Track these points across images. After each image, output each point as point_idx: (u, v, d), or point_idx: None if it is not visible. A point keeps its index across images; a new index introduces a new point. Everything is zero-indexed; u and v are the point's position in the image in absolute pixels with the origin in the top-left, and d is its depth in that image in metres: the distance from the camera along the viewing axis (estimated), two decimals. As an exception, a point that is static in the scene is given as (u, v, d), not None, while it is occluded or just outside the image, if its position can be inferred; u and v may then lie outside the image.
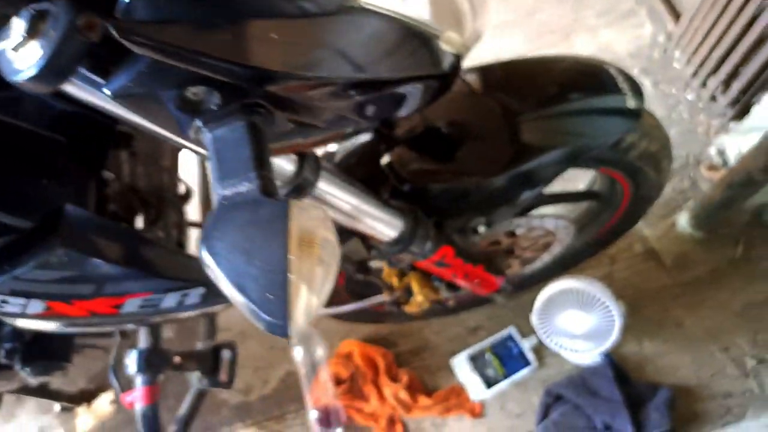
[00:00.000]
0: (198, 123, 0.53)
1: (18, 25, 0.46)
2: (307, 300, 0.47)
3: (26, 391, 1.59)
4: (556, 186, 1.32)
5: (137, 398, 0.98)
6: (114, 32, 0.44)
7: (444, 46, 0.63)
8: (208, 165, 0.55)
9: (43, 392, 1.65)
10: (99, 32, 0.47)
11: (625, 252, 1.78)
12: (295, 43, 0.49)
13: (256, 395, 1.77)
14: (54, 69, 0.47)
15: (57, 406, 1.75)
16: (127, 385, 1.03)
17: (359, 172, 0.97)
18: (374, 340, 1.78)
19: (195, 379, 1.07)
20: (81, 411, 1.77)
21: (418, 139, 1.03)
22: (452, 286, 1.34)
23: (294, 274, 0.45)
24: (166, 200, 0.96)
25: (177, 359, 1.00)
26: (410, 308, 1.34)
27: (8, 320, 0.74)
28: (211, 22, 0.45)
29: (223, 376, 1.05)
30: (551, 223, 1.34)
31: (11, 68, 0.47)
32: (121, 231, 0.71)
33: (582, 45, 2.02)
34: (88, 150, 0.72)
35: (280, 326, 0.45)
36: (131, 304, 0.72)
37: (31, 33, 0.46)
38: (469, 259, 1.17)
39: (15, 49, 0.45)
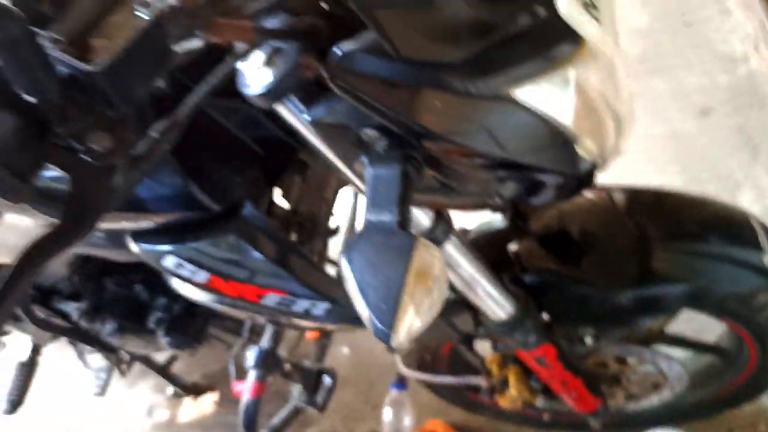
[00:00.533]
0: (364, 159, 0.67)
1: (259, 54, 0.63)
2: (411, 320, 0.56)
3: (152, 365, 1.81)
4: (682, 329, 1.31)
5: (246, 389, 1.12)
6: (325, 75, 0.59)
7: (580, 152, 0.72)
8: (362, 195, 0.69)
9: (164, 373, 1.87)
10: (313, 72, 0.63)
11: (746, 429, 1.65)
12: (454, 115, 0.61)
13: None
14: (275, 91, 0.64)
15: (170, 390, 1.96)
16: (240, 375, 1.18)
17: (486, 251, 1.06)
18: (462, 428, 1.80)
19: (295, 392, 1.19)
20: (187, 401, 1.96)
21: (548, 237, 1.11)
22: (549, 395, 1.36)
23: (406, 296, 0.56)
24: (317, 228, 1.12)
25: (287, 367, 1.14)
26: (503, 401, 1.37)
27: (178, 284, 0.91)
28: (399, 84, 0.59)
29: (319, 398, 1.17)
30: (665, 363, 1.32)
31: (245, 83, 0.64)
32: (280, 236, 0.87)
33: (747, 202, 1.97)
34: (274, 166, 0.89)
35: (385, 333, 0.55)
36: (271, 299, 0.86)
37: (267, 62, 0.63)
38: (569, 367, 1.20)
39: (253, 71, 0.62)
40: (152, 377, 1.99)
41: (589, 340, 1.13)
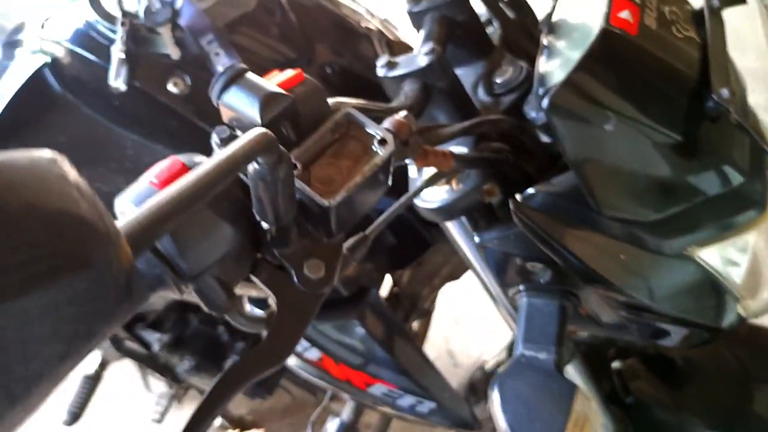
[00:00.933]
0: (521, 287, 0.66)
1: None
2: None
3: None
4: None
5: (321, 459, 1.10)
6: (512, 206, 0.58)
7: (738, 308, 0.70)
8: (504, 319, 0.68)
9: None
10: (494, 199, 0.62)
11: None
12: (631, 266, 0.60)
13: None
14: (450, 210, 0.64)
15: (218, 420, 1.95)
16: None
17: (589, 364, 1.04)
18: None
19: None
20: (230, 434, 1.95)
21: (652, 357, 1.07)
22: None
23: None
24: (416, 308, 1.11)
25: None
26: None
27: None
28: (585, 231, 0.58)
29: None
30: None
31: (422, 198, 0.64)
32: (402, 329, 0.86)
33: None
34: (403, 255, 0.89)
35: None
36: (378, 389, 0.85)
37: (447, 181, 0.63)
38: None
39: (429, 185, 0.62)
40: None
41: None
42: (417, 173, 0.68)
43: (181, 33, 0.72)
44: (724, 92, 0.55)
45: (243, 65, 0.46)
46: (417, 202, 0.65)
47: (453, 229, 0.68)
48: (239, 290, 0.48)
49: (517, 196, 0.60)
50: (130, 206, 0.41)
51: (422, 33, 0.69)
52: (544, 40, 0.68)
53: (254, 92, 0.44)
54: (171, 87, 0.73)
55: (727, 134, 0.59)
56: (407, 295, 1.08)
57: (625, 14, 0.56)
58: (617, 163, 0.55)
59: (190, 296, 0.44)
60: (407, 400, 0.87)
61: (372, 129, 0.47)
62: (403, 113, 0.53)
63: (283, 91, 0.45)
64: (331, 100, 0.54)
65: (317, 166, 0.47)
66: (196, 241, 0.42)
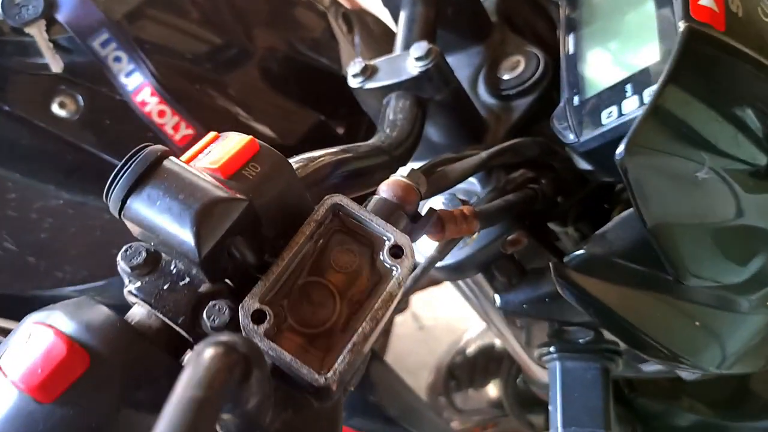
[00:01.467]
0: (552, 349, 0.52)
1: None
2: None
3: None
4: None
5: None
6: (553, 272, 0.43)
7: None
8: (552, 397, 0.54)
9: None
10: (519, 250, 0.47)
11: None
12: (706, 333, 0.46)
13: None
14: (461, 268, 0.48)
15: None
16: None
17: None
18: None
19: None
20: None
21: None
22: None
23: None
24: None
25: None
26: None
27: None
28: (648, 295, 0.44)
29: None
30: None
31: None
32: (388, 370, 0.72)
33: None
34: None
35: None
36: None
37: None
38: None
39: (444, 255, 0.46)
40: None
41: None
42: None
43: (64, 33, 0.50)
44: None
45: (160, 147, 0.28)
46: (418, 258, 0.48)
47: (471, 295, 0.53)
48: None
49: (550, 240, 0.45)
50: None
51: (404, 17, 0.51)
52: (564, 13, 0.51)
53: (183, 201, 0.26)
54: (57, 109, 0.52)
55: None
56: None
57: (706, 0, 0.39)
58: (708, 221, 0.40)
59: None
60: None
61: (378, 229, 0.30)
62: (404, 171, 0.36)
63: (230, 194, 0.27)
64: (303, 158, 0.36)
65: (295, 297, 0.29)
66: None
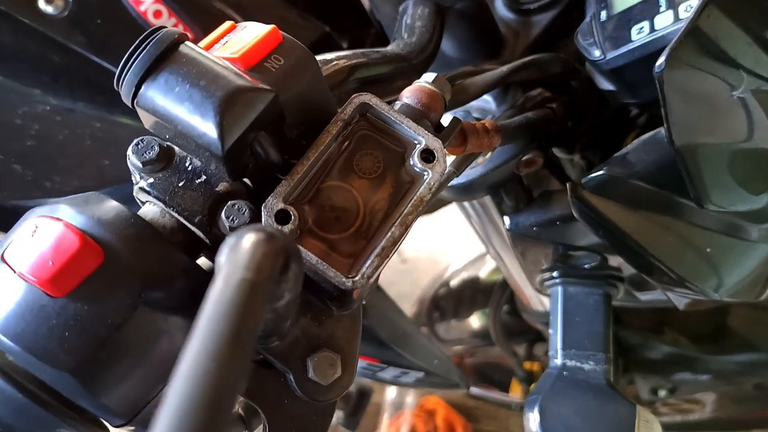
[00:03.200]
0: (555, 274, 0.51)
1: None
2: None
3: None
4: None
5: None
6: (570, 193, 0.42)
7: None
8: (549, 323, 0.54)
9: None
10: (533, 171, 0.46)
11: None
12: (716, 260, 0.46)
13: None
14: (472, 188, 0.46)
15: None
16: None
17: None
18: (459, 407, 1.75)
19: (336, 418, 1.08)
20: None
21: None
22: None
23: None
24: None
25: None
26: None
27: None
28: (664, 220, 0.43)
29: (357, 417, 1.05)
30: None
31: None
32: (382, 295, 0.71)
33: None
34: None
35: None
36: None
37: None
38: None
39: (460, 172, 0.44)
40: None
41: (663, 393, 1.05)
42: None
43: None
44: None
45: (176, 30, 0.25)
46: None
47: (476, 217, 0.52)
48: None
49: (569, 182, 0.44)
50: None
51: None
52: None
53: (205, 89, 0.24)
54: (43, 5, 0.48)
55: None
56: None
57: None
58: (735, 143, 0.38)
59: None
60: (390, 372, 0.74)
61: (408, 132, 0.28)
62: (429, 77, 0.34)
63: (255, 83, 0.25)
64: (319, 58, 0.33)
65: (318, 201, 0.28)
66: (122, 367, 0.24)
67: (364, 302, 0.35)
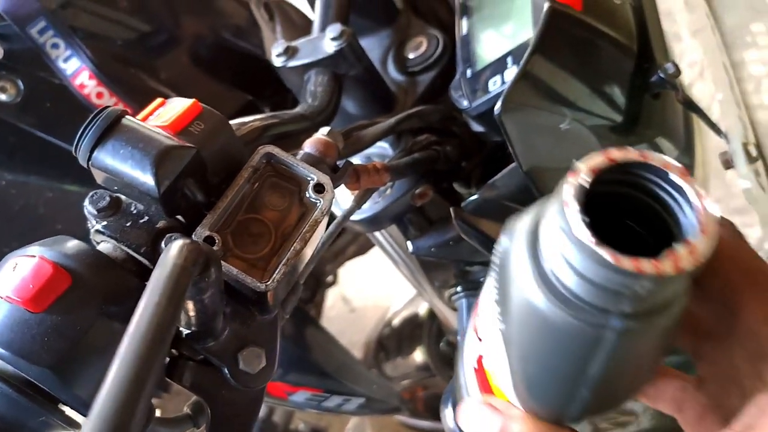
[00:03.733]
0: (459, 288, 0.60)
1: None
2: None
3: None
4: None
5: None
6: (453, 215, 0.51)
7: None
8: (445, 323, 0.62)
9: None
10: (425, 202, 0.55)
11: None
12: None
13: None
14: (376, 220, 0.55)
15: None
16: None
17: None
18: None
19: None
20: None
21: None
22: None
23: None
24: (321, 286, 1.04)
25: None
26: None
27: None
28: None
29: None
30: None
31: (341, 207, 0.55)
32: (317, 326, 0.78)
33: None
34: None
35: None
36: (300, 396, 0.78)
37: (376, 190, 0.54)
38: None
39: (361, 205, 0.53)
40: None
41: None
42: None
43: (1, 21, 0.54)
44: (670, 67, 0.50)
45: (118, 108, 0.34)
46: (335, 210, 0.55)
47: (385, 243, 0.60)
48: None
49: (456, 197, 0.53)
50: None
51: (320, 2, 0.57)
52: (459, 1, 0.59)
53: (143, 150, 0.32)
54: (-2, 94, 0.56)
55: (661, 108, 0.55)
56: (310, 274, 1.00)
57: (566, -15, 0.48)
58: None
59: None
60: (333, 401, 0.80)
61: (302, 171, 0.37)
62: (324, 130, 0.43)
63: (181, 143, 0.33)
64: (234, 123, 0.42)
65: (238, 230, 0.36)
66: (89, 364, 0.31)
67: (286, 317, 0.43)
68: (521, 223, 0.28)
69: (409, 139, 0.55)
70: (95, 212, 0.34)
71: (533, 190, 0.47)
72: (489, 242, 0.52)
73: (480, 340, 0.33)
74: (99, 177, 0.34)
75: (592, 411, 0.30)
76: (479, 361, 0.34)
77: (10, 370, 0.30)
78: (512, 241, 0.28)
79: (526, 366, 0.29)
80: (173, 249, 0.26)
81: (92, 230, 0.35)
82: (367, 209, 0.54)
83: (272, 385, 0.77)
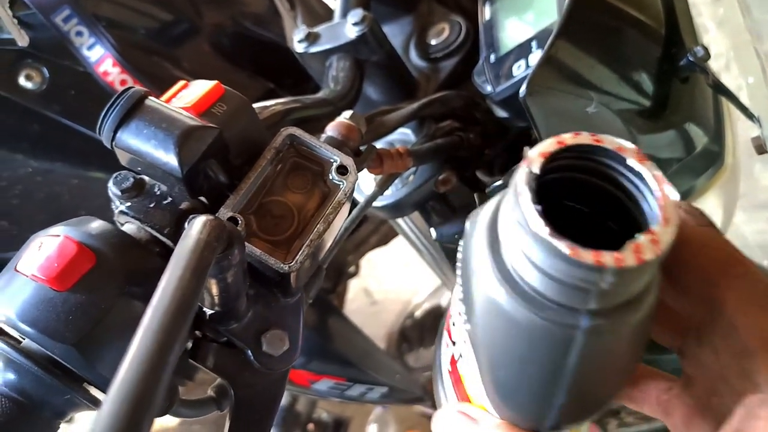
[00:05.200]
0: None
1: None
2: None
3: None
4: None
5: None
6: (477, 201, 0.51)
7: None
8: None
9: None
10: (449, 188, 0.54)
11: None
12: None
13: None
14: (399, 207, 0.55)
15: None
16: None
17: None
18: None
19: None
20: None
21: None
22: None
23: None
24: (343, 276, 1.04)
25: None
26: None
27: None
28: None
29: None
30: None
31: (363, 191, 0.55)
32: (341, 316, 0.78)
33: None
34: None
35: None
36: (324, 384, 0.78)
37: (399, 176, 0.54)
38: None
39: (383, 190, 0.53)
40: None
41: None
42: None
43: (26, 10, 0.55)
44: (699, 50, 0.48)
45: (142, 89, 0.34)
46: (358, 197, 0.55)
47: (408, 230, 0.60)
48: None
49: (479, 185, 0.52)
50: (6, 311, 0.29)
51: (339, -11, 0.57)
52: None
53: (165, 129, 0.32)
54: (23, 82, 0.56)
55: (689, 93, 0.54)
56: (332, 264, 1.00)
57: (593, -33, 0.47)
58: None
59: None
60: (356, 390, 0.80)
61: (325, 153, 0.37)
62: (347, 114, 0.43)
63: (203, 123, 0.33)
64: (256, 106, 0.42)
65: (260, 212, 0.36)
66: (112, 343, 0.31)
67: (309, 301, 0.42)
68: (482, 214, 0.27)
69: (432, 125, 0.54)
70: (119, 193, 0.34)
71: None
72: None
73: (453, 342, 0.31)
74: (123, 158, 0.34)
75: (573, 416, 0.28)
76: (453, 364, 0.32)
77: (36, 349, 0.30)
78: (473, 234, 0.26)
79: (496, 370, 0.27)
80: (196, 224, 0.25)
81: (116, 211, 0.35)
82: (390, 195, 0.54)
83: (295, 373, 0.77)
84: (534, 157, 0.23)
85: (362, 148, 0.44)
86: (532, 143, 0.62)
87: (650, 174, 0.22)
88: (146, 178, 0.35)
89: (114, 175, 0.35)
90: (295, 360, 0.37)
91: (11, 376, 0.30)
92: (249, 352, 0.35)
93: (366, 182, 0.54)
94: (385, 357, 0.84)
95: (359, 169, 0.42)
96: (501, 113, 0.54)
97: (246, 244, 0.33)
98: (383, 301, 1.99)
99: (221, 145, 0.34)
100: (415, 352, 1.31)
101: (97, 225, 0.33)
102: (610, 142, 0.23)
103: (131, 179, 0.34)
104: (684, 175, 0.55)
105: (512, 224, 0.22)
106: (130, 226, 0.35)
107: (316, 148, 0.37)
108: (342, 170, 0.36)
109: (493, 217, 0.25)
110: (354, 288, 2.01)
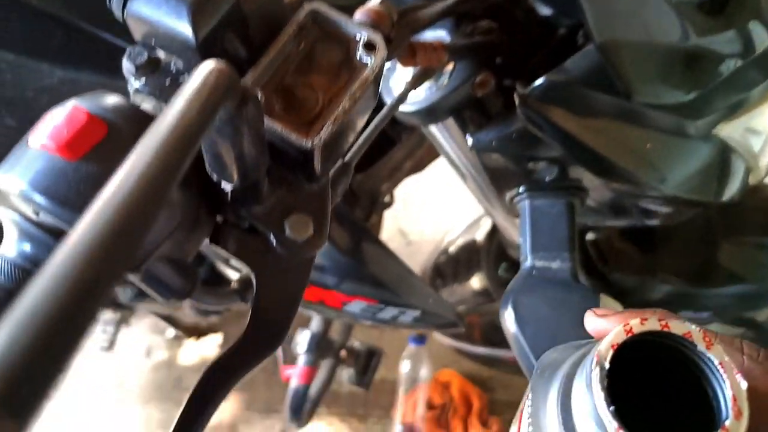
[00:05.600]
0: (522, 189, 0.56)
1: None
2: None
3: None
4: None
5: (296, 375, 1.04)
6: (517, 101, 0.47)
7: (751, 179, 0.63)
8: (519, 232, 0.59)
9: (166, 316, 1.77)
10: (487, 90, 0.51)
11: None
12: (655, 155, 0.51)
13: (347, 388, 1.81)
14: (433, 111, 0.52)
15: (171, 332, 1.87)
16: (288, 359, 1.10)
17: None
18: (474, 378, 1.79)
19: (346, 374, 1.13)
20: (188, 343, 1.88)
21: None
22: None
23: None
24: (377, 205, 1.02)
25: (343, 353, 1.06)
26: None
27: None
28: (603, 120, 0.48)
29: (367, 377, 1.11)
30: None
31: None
32: (373, 238, 0.77)
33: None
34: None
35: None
36: (356, 306, 0.77)
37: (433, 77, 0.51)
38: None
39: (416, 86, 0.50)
40: (148, 316, 1.89)
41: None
42: (390, 70, 0.54)
43: None
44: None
45: (152, -48, 0.31)
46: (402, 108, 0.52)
47: (442, 138, 0.57)
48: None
49: (519, 88, 0.49)
50: (18, 182, 0.28)
51: None
52: None
53: (177, -3, 0.30)
54: (43, -17, 0.55)
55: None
56: (366, 191, 0.98)
57: None
58: (650, 41, 0.44)
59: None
60: (389, 312, 0.79)
61: (352, 29, 0.34)
62: (377, 0, 0.40)
63: (219, -10, 0.31)
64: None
65: (283, 90, 0.33)
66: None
67: (337, 199, 0.40)
68: (557, 370, 0.27)
69: (470, 25, 0.51)
70: (134, 69, 0.32)
71: (607, 65, 0.42)
72: (556, 132, 0.48)
73: None
74: (136, 31, 0.32)
75: None
76: None
77: (51, 220, 0.29)
78: (546, 385, 0.27)
79: None
80: (203, 66, 0.23)
81: (132, 90, 0.33)
82: (424, 99, 0.51)
83: (328, 294, 0.77)
84: (604, 351, 0.23)
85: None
86: (576, 49, 0.58)
87: (718, 362, 0.23)
88: (162, 54, 0.33)
89: (127, 49, 0.33)
90: (320, 248, 0.35)
91: (27, 247, 0.29)
92: (271, 236, 0.34)
93: (398, 86, 0.52)
94: (418, 280, 0.83)
95: (390, 57, 0.40)
96: (545, 10, 0.50)
97: (267, 119, 0.31)
98: (418, 242, 1.98)
99: (239, 16, 0.32)
100: (449, 287, 1.29)
101: (111, 98, 0.31)
102: (678, 327, 0.24)
103: (145, 54, 0.32)
104: (742, 81, 0.50)
105: (585, 404, 0.23)
106: (145, 105, 0.33)
107: (341, 23, 0.34)
108: (369, 47, 0.33)
109: (566, 382, 0.26)
110: (389, 229, 2.00)
